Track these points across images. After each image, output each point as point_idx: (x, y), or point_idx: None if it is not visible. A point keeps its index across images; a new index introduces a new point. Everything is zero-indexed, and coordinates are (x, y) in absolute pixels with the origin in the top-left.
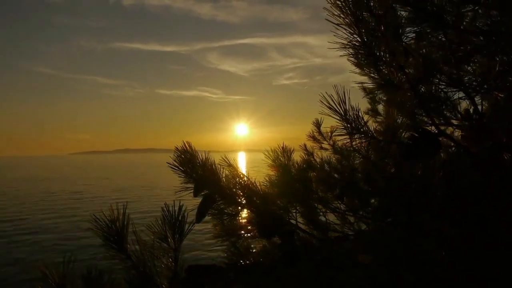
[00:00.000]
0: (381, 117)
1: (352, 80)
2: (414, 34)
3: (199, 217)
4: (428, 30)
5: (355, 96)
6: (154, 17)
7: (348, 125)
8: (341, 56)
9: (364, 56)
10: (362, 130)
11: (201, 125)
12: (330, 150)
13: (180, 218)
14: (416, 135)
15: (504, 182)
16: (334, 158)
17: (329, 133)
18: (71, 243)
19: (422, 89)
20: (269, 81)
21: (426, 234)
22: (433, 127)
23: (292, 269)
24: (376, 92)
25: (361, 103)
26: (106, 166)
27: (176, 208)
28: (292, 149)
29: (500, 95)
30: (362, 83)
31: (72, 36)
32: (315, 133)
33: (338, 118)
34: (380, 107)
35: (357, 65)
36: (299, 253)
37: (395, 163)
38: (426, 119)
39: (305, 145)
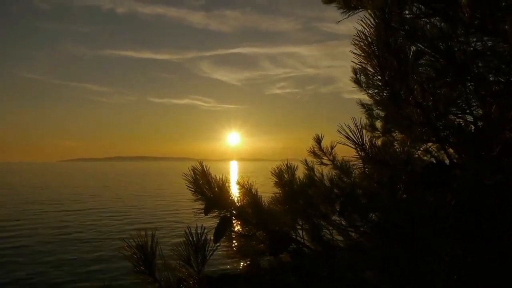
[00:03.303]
0: (378, 132)
1: (344, 91)
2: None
3: (217, 238)
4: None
5: (349, 107)
6: (146, 25)
7: (363, 154)
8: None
9: (386, 95)
10: (376, 159)
11: (193, 134)
12: (330, 165)
13: (202, 241)
14: (431, 165)
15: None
16: (334, 173)
17: (329, 148)
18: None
19: (437, 123)
20: (261, 90)
21: (431, 251)
22: (445, 157)
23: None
24: (375, 108)
25: (356, 115)
26: (100, 173)
27: (199, 232)
28: (295, 166)
29: None
30: (365, 103)
31: (62, 42)
32: (315, 149)
33: (354, 147)
34: (378, 123)
35: (377, 102)
36: (307, 270)
37: (406, 189)
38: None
39: (305, 161)
